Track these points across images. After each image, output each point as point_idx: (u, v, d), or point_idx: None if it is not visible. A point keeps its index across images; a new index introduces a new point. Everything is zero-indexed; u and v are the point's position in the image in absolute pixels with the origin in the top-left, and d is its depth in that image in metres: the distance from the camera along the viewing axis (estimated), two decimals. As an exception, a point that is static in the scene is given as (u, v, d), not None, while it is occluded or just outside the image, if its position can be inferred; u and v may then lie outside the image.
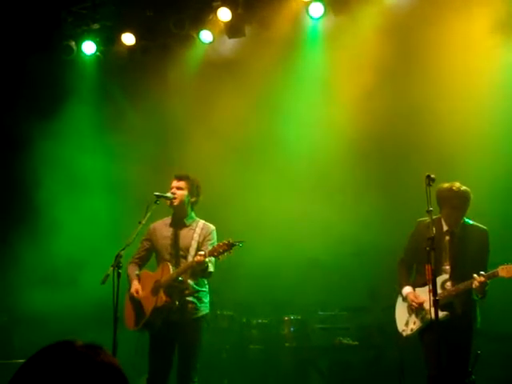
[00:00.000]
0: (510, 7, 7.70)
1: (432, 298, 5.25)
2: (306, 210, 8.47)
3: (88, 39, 9.42)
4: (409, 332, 6.21)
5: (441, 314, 5.70)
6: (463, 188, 5.99)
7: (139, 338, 6.43)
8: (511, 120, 7.68)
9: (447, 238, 6.11)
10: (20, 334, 7.84)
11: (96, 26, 9.41)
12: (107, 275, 5.76)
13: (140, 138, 9.10)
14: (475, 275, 5.72)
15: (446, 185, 6.01)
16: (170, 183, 6.47)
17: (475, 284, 5.73)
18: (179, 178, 6.45)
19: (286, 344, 8.27)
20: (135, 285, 6.38)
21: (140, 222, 6.04)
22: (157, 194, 6.21)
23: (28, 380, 1.63)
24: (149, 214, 6.09)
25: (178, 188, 6.39)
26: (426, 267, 5.33)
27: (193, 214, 6.53)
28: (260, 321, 8.45)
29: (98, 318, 7.15)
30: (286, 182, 8.61)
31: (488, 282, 5.74)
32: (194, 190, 6.45)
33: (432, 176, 5.51)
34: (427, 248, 5.33)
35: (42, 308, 8.23)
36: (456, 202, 5.96)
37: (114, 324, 5.69)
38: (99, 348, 1.74)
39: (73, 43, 9.37)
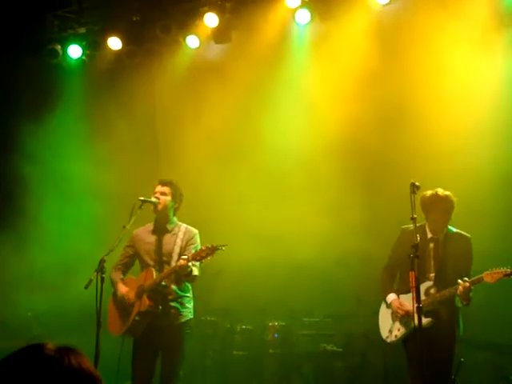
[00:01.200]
0: (497, 8, 7.74)
1: (416, 304, 5.26)
2: (291, 217, 8.46)
3: (74, 43, 9.36)
4: (393, 338, 6.22)
5: (425, 320, 5.74)
6: (447, 192, 6.05)
7: (123, 344, 6.38)
8: (499, 123, 7.70)
9: (431, 245, 6.14)
10: (4, 338, 7.75)
11: (82, 30, 9.37)
12: (90, 280, 5.76)
13: (126, 143, 9.06)
14: (460, 281, 5.74)
15: (430, 191, 6.07)
16: (154, 188, 6.45)
17: (460, 290, 5.75)
18: (163, 184, 6.45)
19: (270, 350, 8.25)
20: (123, 288, 6.35)
21: (124, 227, 6.02)
22: (142, 198, 6.22)
23: None
24: (133, 219, 6.09)
25: (162, 193, 6.40)
26: (410, 274, 5.34)
27: (174, 219, 6.53)
28: (244, 327, 8.42)
29: (82, 323, 7.09)
30: (272, 188, 8.60)
31: (472, 288, 5.77)
32: (177, 195, 6.46)
33: (416, 184, 5.55)
34: (411, 255, 5.34)
35: (25, 313, 8.18)
36: (444, 206, 6.01)
37: (97, 329, 5.67)
38: (70, 350, 1.71)
39: (58, 47, 9.30)
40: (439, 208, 6.02)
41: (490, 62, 7.82)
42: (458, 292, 5.79)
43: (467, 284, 5.74)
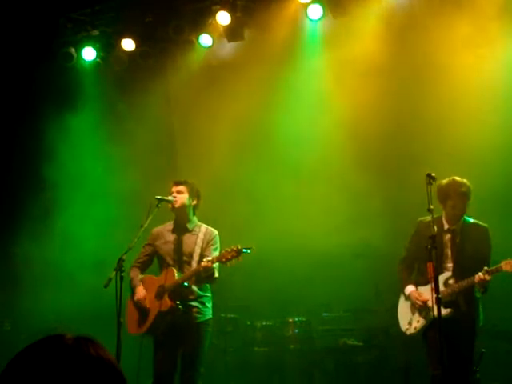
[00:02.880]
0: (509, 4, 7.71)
1: (434, 295, 5.25)
2: (309, 212, 8.47)
3: (88, 45, 9.42)
4: (412, 331, 6.21)
5: (445, 311, 5.74)
6: (464, 179, 6.06)
7: (143, 343, 6.41)
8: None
9: (448, 236, 6.14)
10: (25, 340, 7.81)
11: (96, 33, 9.42)
12: (110, 279, 5.78)
13: (142, 144, 9.11)
14: (480, 273, 5.73)
15: (446, 179, 6.07)
16: (170, 189, 6.47)
17: (478, 279, 5.74)
18: (178, 183, 6.45)
19: (291, 346, 8.26)
20: (141, 291, 6.37)
21: (142, 226, 6.05)
22: (158, 197, 6.22)
23: (16, 375, 1.62)
24: (150, 218, 6.10)
25: (179, 192, 6.39)
26: (428, 265, 5.34)
27: (195, 219, 6.52)
28: (264, 323, 8.43)
29: (101, 322, 7.13)
30: (289, 184, 8.58)
31: (490, 278, 5.76)
32: (193, 193, 6.45)
33: (432, 174, 5.54)
34: (428, 246, 5.34)
35: (42, 312, 8.25)
36: (462, 190, 6.01)
37: (118, 328, 5.69)
38: (90, 340, 1.73)
39: (73, 50, 9.36)
40: (457, 192, 6.02)
41: (501, 56, 7.78)
42: (476, 281, 5.78)
43: (486, 274, 5.73)
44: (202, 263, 6.00)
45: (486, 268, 5.78)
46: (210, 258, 5.99)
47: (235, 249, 5.86)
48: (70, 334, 1.73)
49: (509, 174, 7.51)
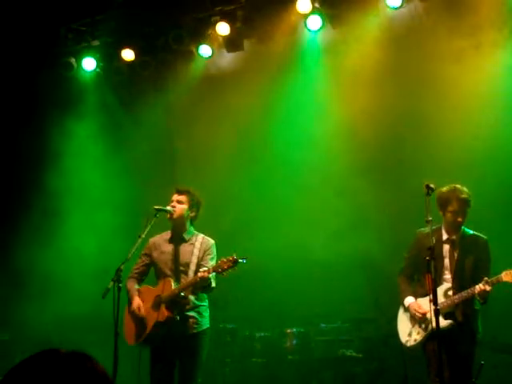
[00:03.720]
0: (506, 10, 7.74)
1: (433, 307, 5.24)
2: (308, 222, 8.46)
3: (88, 56, 9.45)
4: (412, 342, 6.19)
5: (445, 322, 5.74)
6: (464, 187, 6.07)
7: (140, 354, 6.40)
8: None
9: (447, 246, 6.13)
10: (23, 350, 7.80)
11: (96, 43, 9.46)
12: (107, 289, 5.75)
13: (142, 154, 9.13)
14: (480, 284, 5.72)
15: (447, 186, 6.06)
16: (171, 196, 6.47)
17: (478, 290, 5.73)
18: (180, 192, 6.44)
19: (289, 357, 8.23)
20: (136, 301, 6.36)
21: (139, 236, 6.03)
22: (156, 207, 6.20)
23: None
24: (148, 228, 6.08)
25: (179, 202, 6.38)
26: (427, 277, 5.32)
27: (192, 229, 6.51)
28: (262, 334, 8.42)
29: (100, 332, 7.12)
30: (287, 195, 8.59)
31: (490, 289, 5.76)
32: (194, 204, 6.43)
33: (431, 185, 5.54)
34: (427, 258, 5.32)
35: (41, 322, 8.24)
36: (463, 196, 6.00)
37: (115, 338, 5.67)
38: (83, 355, 1.73)
39: (73, 60, 9.40)
40: (458, 198, 6.00)
41: (502, 63, 7.80)
42: (477, 292, 5.77)
43: (487, 285, 5.73)
44: (199, 273, 5.98)
45: (486, 278, 5.77)
46: (206, 268, 5.98)
47: (231, 259, 5.84)
48: (64, 349, 1.74)
49: (509, 182, 7.50)
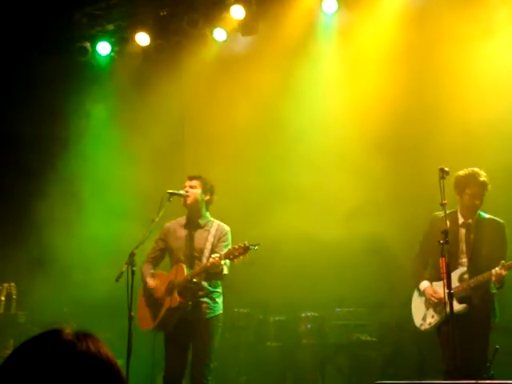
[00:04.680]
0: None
1: (447, 290, 5.21)
2: (321, 205, 8.43)
3: (103, 40, 9.45)
4: (427, 326, 6.19)
5: (460, 306, 5.72)
6: (481, 171, 6.06)
7: (155, 337, 6.43)
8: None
9: (463, 230, 6.10)
10: (36, 332, 7.83)
11: (110, 27, 9.44)
12: (121, 272, 5.78)
13: (153, 138, 9.10)
14: (496, 268, 5.69)
15: (464, 170, 6.05)
16: (183, 184, 6.46)
17: (494, 275, 5.70)
18: (192, 178, 6.46)
19: (304, 341, 8.21)
20: (152, 281, 6.38)
21: (153, 220, 6.04)
22: (170, 191, 6.21)
23: (11, 373, 1.62)
24: (162, 212, 6.09)
25: (191, 187, 6.39)
26: (441, 260, 5.29)
27: (207, 215, 6.50)
28: (277, 318, 8.40)
29: (114, 316, 7.15)
30: (299, 180, 8.51)
31: (506, 273, 5.73)
32: (207, 188, 6.44)
33: (446, 169, 5.51)
34: (441, 241, 5.29)
35: (57, 305, 8.29)
36: (481, 180, 6.01)
37: (129, 322, 5.71)
38: (88, 336, 1.71)
39: (87, 44, 9.39)
40: (476, 181, 6.02)
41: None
42: (493, 277, 5.74)
43: (503, 269, 5.69)
44: (210, 259, 5.98)
45: (502, 262, 5.74)
46: (217, 255, 5.97)
47: (242, 246, 5.84)
48: (69, 329, 1.72)
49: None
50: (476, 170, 6.07)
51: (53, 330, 1.72)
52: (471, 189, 6.03)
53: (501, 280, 5.79)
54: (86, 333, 1.73)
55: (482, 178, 6.01)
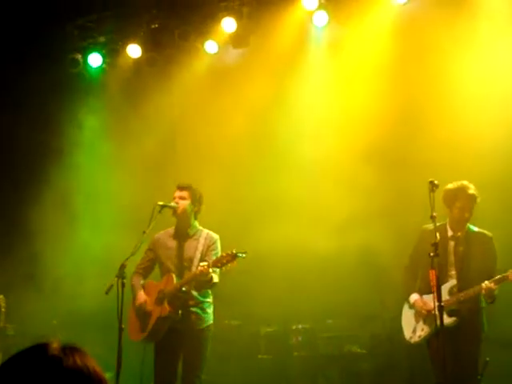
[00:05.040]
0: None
1: (437, 303, 5.22)
2: (312, 216, 8.44)
3: (94, 52, 9.46)
4: (417, 339, 6.18)
5: (449, 319, 5.72)
6: (470, 184, 6.09)
7: (145, 348, 6.41)
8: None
9: (452, 243, 6.12)
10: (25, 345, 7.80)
11: (102, 39, 9.47)
12: (111, 285, 5.77)
13: (145, 150, 9.12)
14: (486, 282, 5.71)
15: (453, 183, 6.08)
16: (173, 193, 6.48)
17: (484, 290, 5.72)
18: (182, 188, 6.47)
19: (295, 353, 8.22)
20: (142, 295, 6.37)
21: (144, 232, 6.04)
22: (161, 203, 6.22)
23: None
24: (153, 224, 6.10)
25: (181, 197, 6.41)
26: (430, 273, 5.30)
27: (196, 224, 6.53)
28: (268, 330, 8.40)
29: (105, 328, 7.13)
30: (290, 193, 8.54)
31: (496, 287, 5.74)
32: (196, 199, 6.46)
33: (435, 182, 5.53)
34: (431, 254, 5.30)
35: (47, 317, 8.26)
36: (470, 193, 6.02)
37: (119, 333, 5.69)
38: (75, 350, 1.71)
39: (79, 56, 9.40)
40: (466, 193, 6.03)
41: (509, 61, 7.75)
42: (483, 292, 5.76)
43: (492, 284, 5.71)
44: (199, 268, 5.99)
45: (492, 276, 5.77)
46: (205, 263, 5.98)
47: (230, 253, 5.85)
48: (56, 343, 1.71)
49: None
50: (465, 183, 6.09)
51: (39, 345, 1.72)
52: (460, 202, 6.06)
53: (491, 294, 5.80)
54: (73, 347, 1.73)
55: (471, 191, 6.04)
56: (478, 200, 6.08)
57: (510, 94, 7.68)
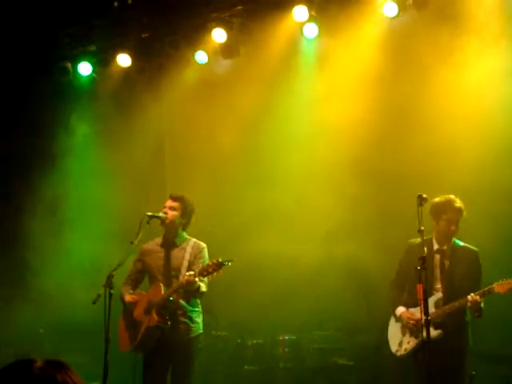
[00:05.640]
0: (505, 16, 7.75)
1: (423, 317, 5.24)
2: (299, 227, 8.46)
3: (84, 60, 9.45)
4: (403, 352, 6.20)
5: (435, 332, 5.74)
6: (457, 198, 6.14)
7: (135, 359, 6.40)
8: (507, 136, 7.67)
9: (438, 256, 6.16)
10: (13, 356, 7.76)
11: (92, 48, 9.45)
12: (99, 295, 5.76)
13: (134, 159, 9.11)
14: (472, 294, 5.74)
15: (440, 197, 6.12)
16: (164, 202, 6.48)
17: (470, 303, 5.75)
18: (174, 199, 6.47)
19: (281, 365, 8.19)
20: (129, 297, 6.37)
21: (132, 242, 6.04)
22: (149, 214, 6.23)
23: None
24: (141, 234, 6.10)
25: (171, 208, 6.41)
26: (418, 287, 5.32)
27: (184, 234, 6.54)
28: (255, 341, 8.38)
29: (90, 338, 7.11)
30: (279, 207, 8.55)
31: (482, 299, 5.77)
32: (186, 211, 6.47)
33: (424, 196, 5.55)
34: (418, 267, 5.33)
35: (33, 329, 8.22)
36: (457, 206, 6.08)
37: (106, 344, 5.67)
38: (59, 366, 1.71)
39: (69, 64, 9.39)
40: (452, 207, 6.09)
41: (500, 72, 7.79)
42: (469, 305, 5.79)
43: (477, 297, 5.75)
44: (185, 277, 5.99)
45: (477, 289, 5.80)
46: (192, 272, 5.99)
47: (216, 262, 5.87)
48: (39, 361, 1.71)
49: (501, 192, 7.49)
50: (452, 196, 6.16)
51: (23, 361, 1.71)
52: (448, 214, 6.11)
53: (477, 307, 5.83)
54: (57, 362, 1.72)
55: (458, 205, 6.10)
56: (465, 214, 6.13)
57: (495, 107, 7.73)
